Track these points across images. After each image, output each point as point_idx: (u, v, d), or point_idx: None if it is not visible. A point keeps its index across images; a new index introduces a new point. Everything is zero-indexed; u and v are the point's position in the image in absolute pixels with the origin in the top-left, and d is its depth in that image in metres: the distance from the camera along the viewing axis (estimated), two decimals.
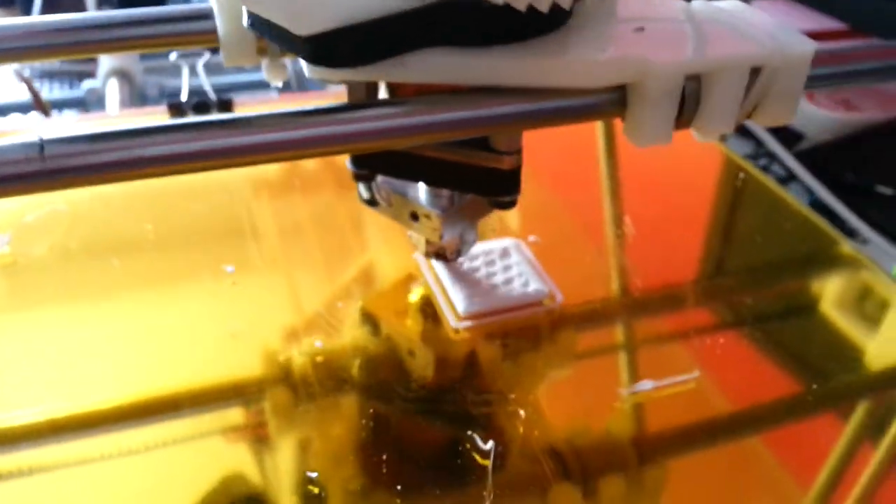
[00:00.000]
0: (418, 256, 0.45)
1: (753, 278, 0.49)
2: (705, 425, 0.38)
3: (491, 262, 0.45)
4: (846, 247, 0.50)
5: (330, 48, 0.27)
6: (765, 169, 0.96)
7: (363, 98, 0.32)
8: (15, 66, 1.04)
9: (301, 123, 0.27)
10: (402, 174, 0.35)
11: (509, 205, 0.34)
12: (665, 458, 0.36)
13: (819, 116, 0.94)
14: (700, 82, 0.29)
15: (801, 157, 0.93)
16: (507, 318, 0.42)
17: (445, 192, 0.36)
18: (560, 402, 0.39)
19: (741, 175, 0.58)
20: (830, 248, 0.51)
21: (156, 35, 0.34)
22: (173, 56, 0.95)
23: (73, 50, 0.35)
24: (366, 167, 0.35)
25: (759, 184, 0.57)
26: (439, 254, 0.39)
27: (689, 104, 0.29)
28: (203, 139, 0.26)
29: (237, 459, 0.35)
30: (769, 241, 0.51)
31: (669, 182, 0.59)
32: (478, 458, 0.35)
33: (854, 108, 0.95)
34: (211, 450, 0.36)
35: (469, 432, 0.35)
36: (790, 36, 0.30)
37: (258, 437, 0.36)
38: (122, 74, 1.10)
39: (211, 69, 0.93)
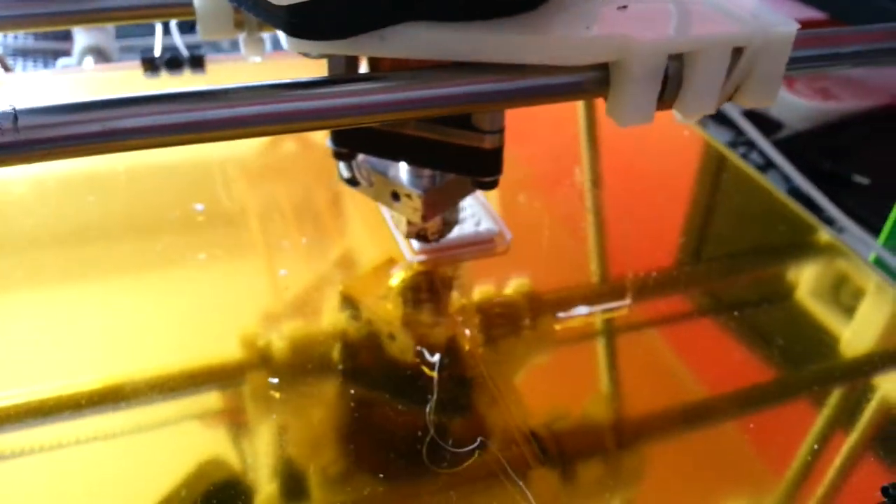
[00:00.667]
0: (383, 210, 0.47)
1: (731, 265, 0.49)
2: (679, 410, 0.38)
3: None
4: (824, 234, 0.50)
5: (309, 20, 0.26)
6: (743, 157, 0.97)
7: (342, 73, 0.31)
8: None
9: (280, 97, 0.26)
10: (383, 153, 0.35)
11: (491, 185, 0.34)
12: (639, 443, 0.36)
13: (797, 105, 0.95)
14: (682, 62, 0.29)
15: (780, 145, 0.94)
16: (458, 254, 0.45)
17: (427, 172, 0.36)
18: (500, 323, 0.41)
19: (720, 161, 0.58)
20: (809, 235, 0.51)
21: (132, 7, 0.33)
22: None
23: (47, 21, 0.34)
24: (346, 145, 0.35)
25: (738, 171, 0.57)
26: (420, 234, 0.39)
27: (671, 84, 0.29)
28: (181, 111, 0.25)
29: (215, 444, 0.35)
30: (747, 228, 0.52)
31: (648, 167, 0.59)
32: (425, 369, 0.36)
33: (832, 97, 0.95)
34: (189, 434, 0.35)
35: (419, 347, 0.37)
36: (772, 16, 0.29)
37: (237, 422, 0.36)
38: (98, 52, 1.08)
39: (185, 27, 0.92)
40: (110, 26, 1.09)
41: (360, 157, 0.36)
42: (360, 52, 0.28)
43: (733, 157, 0.59)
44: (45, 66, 1.14)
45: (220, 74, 0.67)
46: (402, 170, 0.36)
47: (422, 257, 0.44)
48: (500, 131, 0.33)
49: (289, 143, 0.57)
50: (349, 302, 0.42)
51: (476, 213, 0.47)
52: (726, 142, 0.97)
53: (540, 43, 0.28)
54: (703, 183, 0.57)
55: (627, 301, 0.44)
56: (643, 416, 0.37)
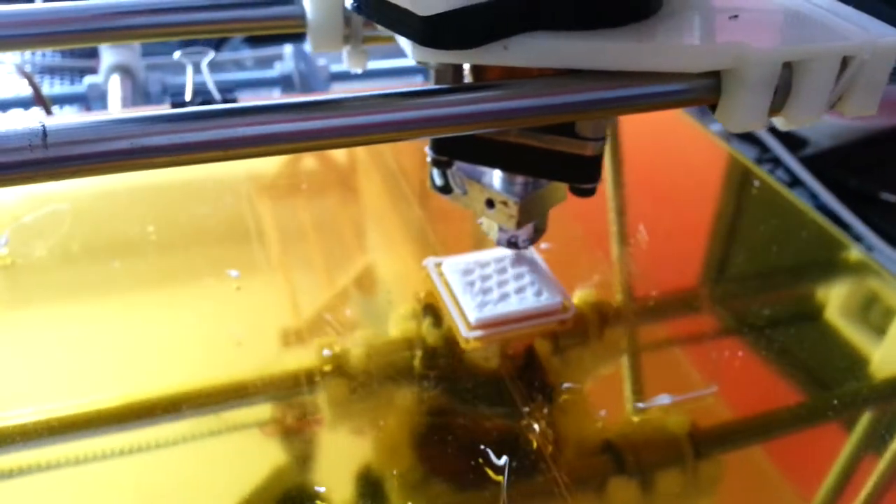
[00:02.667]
0: (427, 263, 0.45)
1: (759, 283, 0.49)
2: (704, 432, 0.38)
3: (502, 270, 0.44)
4: (855, 252, 0.50)
5: (443, 30, 0.27)
6: (769, 173, 0.97)
7: (449, 83, 0.32)
8: (16, 60, 1.03)
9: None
10: (482, 160, 0.35)
11: (590, 192, 0.34)
12: (666, 466, 0.36)
13: (824, 122, 0.95)
14: (792, 70, 0.29)
15: (805, 162, 0.95)
16: (519, 329, 0.42)
17: (520, 179, 0.36)
18: (573, 415, 0.38)
19: (747, 178, 0.58)
20: (838, 253, 0.51)
21: (159, 24, 0.33)
22: (177, 54, 0.94)
23: (74, 39, 0.34)
24: (445, 153, 0.35)
25: (766, 187, 0.57)
26: (511, 241, 0.40)
27: (781, 91, 0.29)
28: (210, 129, 0.25)
29: (236, 461, 0.35)
30: (776, 246, 0.51)
31: (677, 186, 0.59)
32: (491, 474, 0.34)
33: None
34: (210, 451, 0.35)
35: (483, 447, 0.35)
36: (879, 27, 0.30)
37: (260, 439, 0.36)
38: (125, 70, 1.08)
39: (214, 67, 0.92)
40: (136, 45, 1.10)
41: (455, 164, 0.37)
42: (485, 62, 0.28)
43: (761, 173, 0.59)
44: (72, 83, 1.14)
45: None
46: (496, 177, 0.37)
47: (478, 333, 0.41)
48: (603, 139, 0.33)
49: (309, 161, 0.57)
50: (430, 310, 0.42)
51: (535, 280, 0.44)
52: (752, 158, 0.98)
53: (656, 50, 0.28)
54: (729, 200, 0.57)
55: (713, 388, 0.41)
56: (668, 438, 0.37)
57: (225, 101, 0.66)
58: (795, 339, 0.43)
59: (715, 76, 0.29)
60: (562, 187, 0.37)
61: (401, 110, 0.27)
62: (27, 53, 1.13)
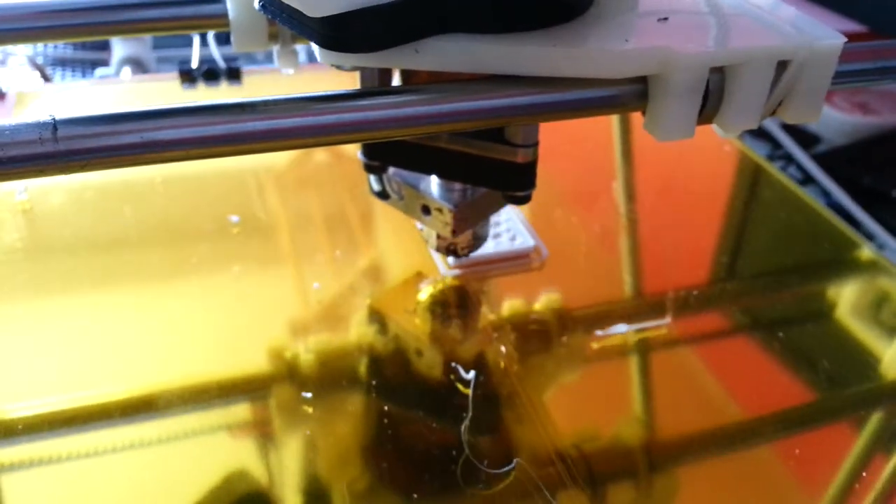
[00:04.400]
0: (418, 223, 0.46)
1: (770, 281, 0.48)
2: (714, 432, 0.37)
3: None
4: (866, 251, 0.49)
5: (343, 32, 0.26)
6: (781, 171, 0.95)
7: (375, 85, 0.31)
8: (28, 52, 1.04)
9: (313, 109, 0.26)
10: (414, 166, 0.35)
11: (524, 200, 0.33)
12: (675, 464, 0.36)
13: (836, 119, 0.93)
14: (724, 75, 0.28)
15: (818, 159, 0.92)
16: (494, 269, 0.44)
17: (458, 186, 0.35)
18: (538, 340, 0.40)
19: (759, 175, 0.57)
20: (850, 251, 0.50)
21: (167, 18, 0.33)
22: None
23: (85, 32, 0.34)
24: (378, 158, 0.34)
25: (778, 185, 0.56)
26: (450, 249, 0.39)
27: (712, 98, 0.28)
28: (219, 123, 0.25)
29: (243, 456, 0.34)
30: (788, 244, 0.51)
31: (687, 182, 0.58)
32: (460, 387, 0.36)
33: (872, 111, 0.94)
34: (218, 446, 0.35)
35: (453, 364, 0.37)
36: (818, 29, 0.29)
37: (262, 435, 0.36)
38: (136, 63, 1.09)
39: (221, 38, 0.93)
40: (147, 37, 1.10)
41: (391, 170, 0.36)
42: (394, 65, 0.28)
43: (773, 170, 0.58)
44: (84, 75, 1.15)
45: (257, 86, 0.68)
46: (433, 183, 0.36)
47: (456, 272, 0.44)
48: (534, 145, 0.32)
49: (321, 155, 0.57)
50: (377, 316, 0.42)
51: (512, 227, 0.47)
52: (764, 155, 0.96)
53: (578, 55, 0.27)
54: (741, 197, 0.57)
55: (666, 320, 0.43)
56: (678, 436, 0.37)
57: (229, 70, 0.66)
58: (806, 338, 0.43)
59: (642, 82, 0.28)
60: (499, 194, 0.36)
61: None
62: (39, 45, 1.14)
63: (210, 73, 0.67)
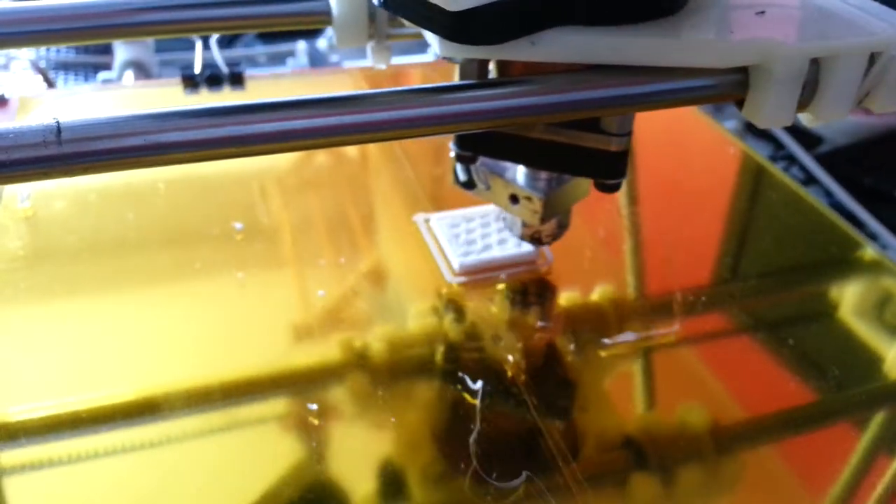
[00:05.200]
0: (417, 219, 0.46)
1: (773, 282, 0.49)
2: (717, 433, 0.37)
3: (486, 224, 0.46)
4: (870, 251, 0.50)
5: (472, 25, 0.27)
6: (784, 171, 0.97)
7: (474, 78, 0.32)
8: (31, 56, 1.03)
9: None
10: (506, 156, 0.35)
11: (614, 188, 0.34)
12: (682, 466, 0.36)
13: (838, 120, 0.95)
14: (820, 66, 0.29)
15: (820, 160, 0.94)
16: (499, 276, 0.43)
17: (544, 175, 0.36)
18: (544, 348, 0.40)
19: (762, 176, 0.58)
20: (853, 251, 0.51)
21: (173, 21, 0.33)
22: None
23: (88, 35, 0.34)
24: (470, 148, 0.35)
25: (781, 185, 0.57)
26: (535, 237, 0.39)
27: (808, 88, 0.29)
28: (223, 125, 0.25)
29: (240, 459, 0.35)
30: (791, 244, 0.51)
31: (690, 183, 0.58)
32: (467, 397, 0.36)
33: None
34: (216, 450, 0.35)
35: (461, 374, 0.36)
36: None
37: (264, 438, 0.36)
38: (138, 66, 1.09)
39: (223, 43, 0.92)
40: (150, 40, 1.10)
41: (480, 160, 0.37)
42: (511, 57, 0.28)
43: (775, 171, 0.58)
44: (86, 79, 1.14)
45: (260, 91, 0.67)
46: (520, 172, 0.37)
47: (462, 279, 0.43)
48: (629, 134, 0.33)
49: (322, 157, 0.57)
50: (453, 304, 0.42)
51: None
52: (766, 156, 0.98)
53: (687, 46, 0.28)
54: (744, 198, 0.57)
55: (672, 323, 0.43)
56: (681, 438, 0.37)
57: (232, 74, 0.66)
58: (809, 338, 0.43)
59: (742, 72, 0.29)
60: (585, 183, 0.37)
61: (422, 106, 0.27)
62: (42, 49, 1.13)
63: (213, 79, 0.66)
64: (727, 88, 0.29)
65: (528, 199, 0.36)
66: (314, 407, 0.36)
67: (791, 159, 0.96)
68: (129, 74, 1.09)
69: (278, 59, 1.20)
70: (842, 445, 0.37)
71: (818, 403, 0.39)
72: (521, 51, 0.28)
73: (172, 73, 1.13)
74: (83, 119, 0.24)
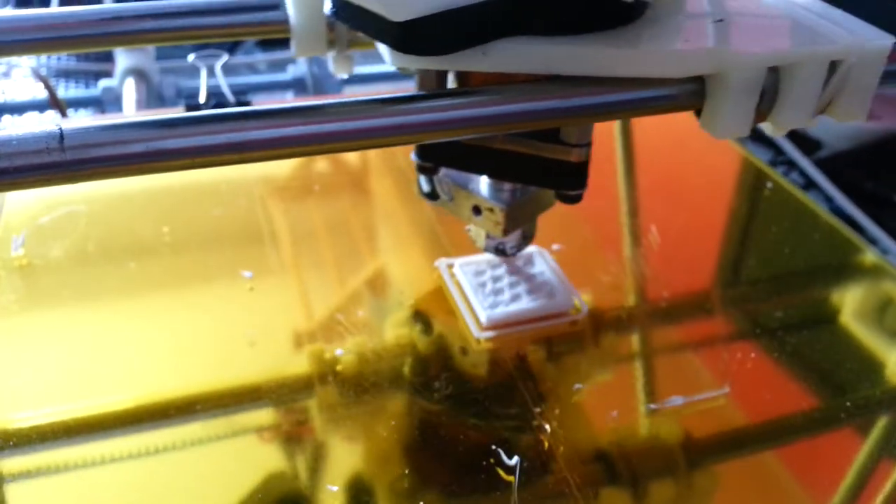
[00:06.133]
0: (439, 264, 0.44)
1: (773, 286, 0.48)
2: (718, 437, 0.37)
3: (515, 271, 0.44)
4: (870, 255, 0.49)
5: (420, 35, 0.27)
6: (783, 176, 0.96)
7: (434, 88, 0.32)
8: (32, 63, 1.04)
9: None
10: (467, 167, 0.35)
11: (576, 199, 0.34)
12: (680, 470, 0.35)
13: (838, 124, 0.94)
14: (779, 75, 0.29)
15: (820, 164, 0.94)
16: (531, 329, 0.41)
17: (508, 186, 0.36)
18: (585, 416, 0.38)
19: (762, 180, 0.57)
20: (853, 256, 0.50)
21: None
22: (191, 57, 0.95)
23: (89, 43, 0.34)
24: (431, 159, 0.35)
25: (780, 190, 0.56)
26: (499, 249, 0.39)
27: (767, 97, 0.29)
28: (224, 132, 0.25)
29: (239, 463, 0.34)
30: (790, 248, 0.50)
31: (690, 187, 0.58)
32: (502, 473, 0.34)
33: (874, 116, 0.95)
34: (216, 454, 0.35)
35: (494, 447, 0.34)
36: (867, 30, 0.30)
37: (265, 442, 0.35)
38: (139, 74, 1.09)
39: (227, 71, 0.93)
40: (151, 48, 1.11)
41: (442, 171, 0.36)
42: (462, 67, 0.28)
43: (775, 175, 0.58)
44: (87, 86, 1.15)
45: None
46: (483, 184, 0.37)
47: (490, 333, 0.40)
48: (588, 145, 0.33)
49: (321, 162, 0.57)
50: (420, 317, 0.42)
51: (548, 281, 0.43)
52: (766, 161, 0.97)
53: (640, 56, 0.28)
54: (744, 203, 0.57)
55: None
56: (682, 443, 0.37)
57: (238, 104, 0.66)
58: (809, 343, 0.43)
59: (699, 81, 0.29)
60: (549, 193, 0.37)
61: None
62: (43, 57, 1.14)
63: (218, 108, 0.66)
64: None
65: (491, 210, 0.36)
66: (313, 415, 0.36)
67: (791, 164, 0.96)
68: (130, 82, 1.10)
69: (279, 66, 1.21)
70: (843, 450, 0.37)
71: (817, 408, 0.39)
72: (473, 61, 0.28)
73: (173, 80, 1.14)
74: (85, 125, 0.24)
